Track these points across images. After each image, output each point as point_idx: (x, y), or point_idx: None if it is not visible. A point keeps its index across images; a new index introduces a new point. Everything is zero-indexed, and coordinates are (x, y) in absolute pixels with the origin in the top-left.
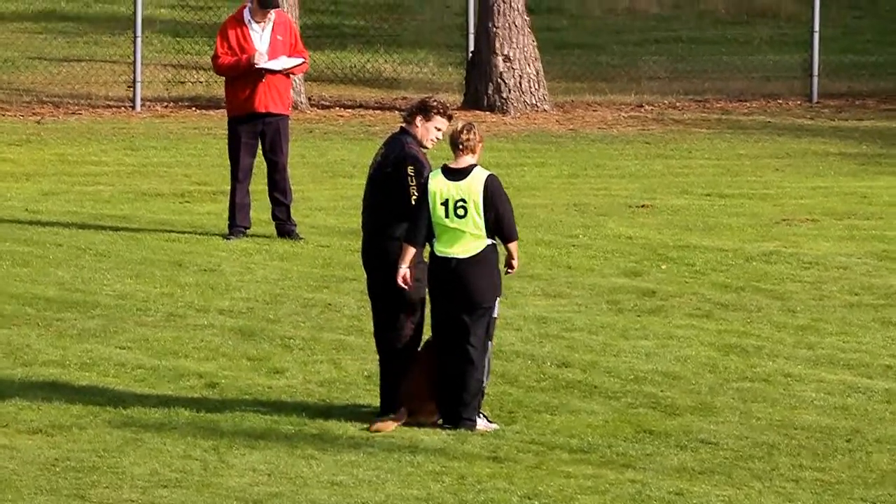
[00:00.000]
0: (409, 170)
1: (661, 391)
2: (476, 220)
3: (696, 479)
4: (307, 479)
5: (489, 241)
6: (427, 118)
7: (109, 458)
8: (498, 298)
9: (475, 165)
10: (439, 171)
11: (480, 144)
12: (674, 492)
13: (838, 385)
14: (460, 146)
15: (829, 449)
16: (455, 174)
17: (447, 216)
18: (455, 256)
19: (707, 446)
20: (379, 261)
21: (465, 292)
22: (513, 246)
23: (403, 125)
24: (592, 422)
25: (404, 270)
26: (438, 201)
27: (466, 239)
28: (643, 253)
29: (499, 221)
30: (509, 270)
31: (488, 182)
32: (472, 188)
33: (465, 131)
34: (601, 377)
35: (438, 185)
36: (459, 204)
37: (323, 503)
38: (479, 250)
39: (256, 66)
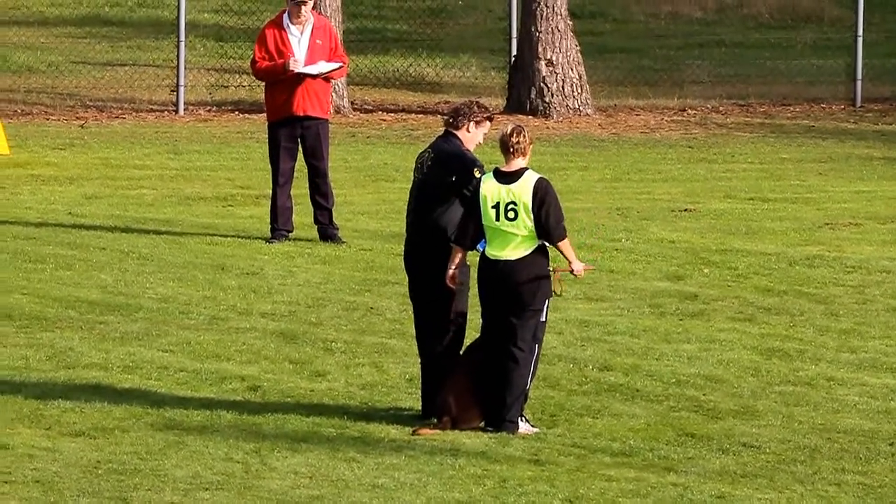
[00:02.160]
0: (476, 172)
1: (704, 395)
2: (526, 222)
3: (738, 482)
4: (349, 481)
5: (539, 244)
6: (478, 124)
7: (151, 460)
8: (547, 302)
9: (526, 169)
10: (491, 174)
11: (530, 147)
12: (716, 495)
13: (881, 389)
14: (511, 149)
15: (872, 452)
16: (506, 177)
17: (498, 219)
18: (505, 259)
19: (749, 450)
20: (428, 264)
21: (514, 294)
22: (563, 246)
23: (449, 129)
24: (634, 425)
25: (453, 271)
26: (490, 204)
27: (517, 241)
28: (686, 257)
29: (546, 223)
30: (575, 272)
31: (538, 185)
32: (523, 191)
33: (514, 134)
34: (643, 381)
35: (489, 189)
36: (510, 207)
37: None
38: (528, 252)
39: (293, 71)
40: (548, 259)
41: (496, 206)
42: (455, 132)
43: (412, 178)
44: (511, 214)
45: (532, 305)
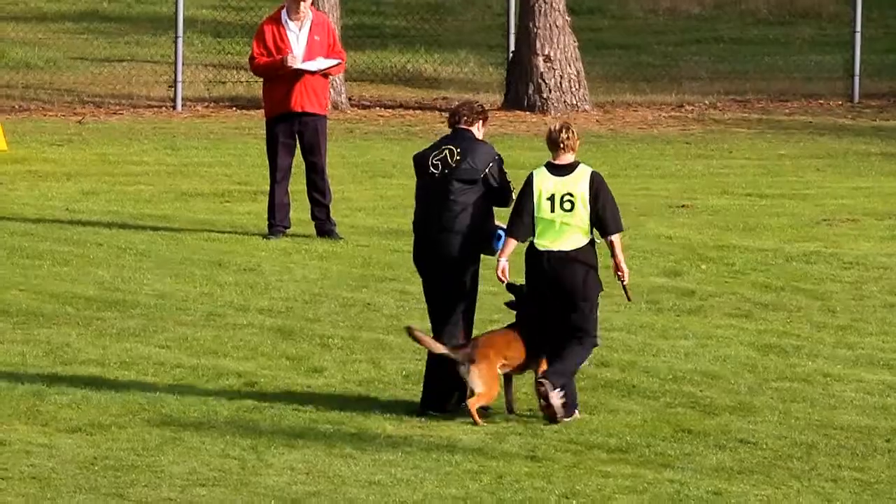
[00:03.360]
0: (502, 166)
1: (700, 391)
2: (582, 213)
3: (735, 478)
4: (345, 477)
5: (591, 237)
6: (484, 122)
7: (148, 456)
8: (599, 293)
9: (579, 162)
10: (543, 168)
11: (578, 142)
12: (712, 491)
13: (878, 385)
14: (561, 145)
15: (869, 449)
16: (560, 170)
17: (553, 210)
18: (559, 249)
19: (746, 446)
20: (453, 257)
21: (571, 285)
22: (616, 238)
23: (462, 126)
24: (631, 421)
25: (504, 264)
26: (545, 197)
27: (571, 232)
28: (683, 253)
29: (603, 214)
30: (620, 274)
31: (593, 177)
32: (579, 183)
33: (563, 131)
34: (640, 377)
35: (544, 181)
36: (566, 198)
37: (361, 502)
38: (583, 243)
39: (291, 67)
40: (596, 252)
41: (551, 199)
42: (469, 128)
43: (428, 176)
44: (567, 206)
45: (588, 295)
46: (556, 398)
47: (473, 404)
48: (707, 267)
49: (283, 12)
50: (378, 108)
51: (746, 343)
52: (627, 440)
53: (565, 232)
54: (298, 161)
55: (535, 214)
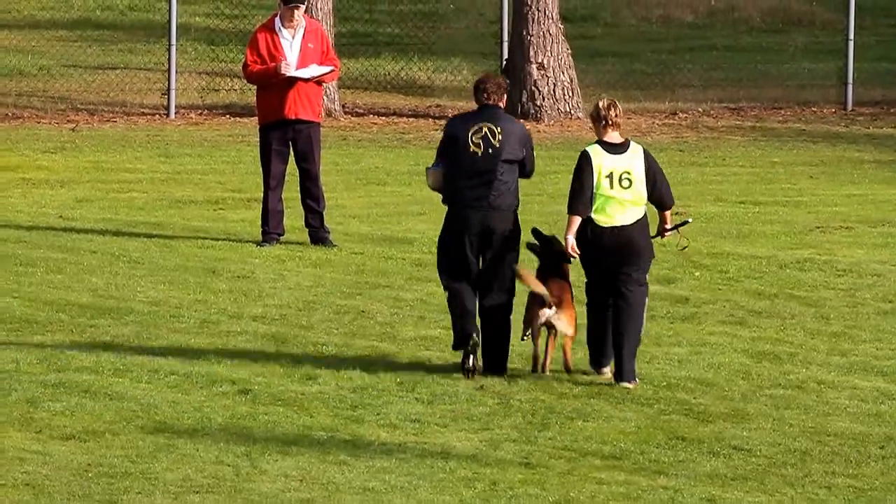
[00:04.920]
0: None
1: (694, 398)
2: (640, 189)
3: (729, 485)
4: (339, 484)
5: (644, 210)
6: (504, 100)
7: (142, 463)
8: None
9: (629, 140)
10: (597, 146)
11: (622, 119)
12: (706, 498)
13: (872, 392)
14: (610, 122)
15: (863, 456)
16: (615, 148)
17: (612, 187)
18: (622, 224)
19: (740, 453)
20: (503, 232)
21: (634, 256)
22: (668, 213)
23: (491, 103)
24: (625, 428)
25: (573, 240)
26: (604, 174)
27: (629, 207)
28: (676, 260)
29: (660, 189)
30: (665, 234)
31: (646, 154)
32: (635, 160)
33: (612, 108)
34: None
35: (601, 159)
36: (625, 175)
37: None
38: (640, 216)
39: (285, 74)
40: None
41: (609, 176)
42: (498, 104)
43: (468, 153)
44: (626, 183)
45: (648, 261)
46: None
47: (570, 345)
48: (701, 274)
49: (277, 20)
50: (372, 116)
51: (740, 350)
52: (621, 447)
53: (626, 207)
54: (292, 168)
55: (595, 191)
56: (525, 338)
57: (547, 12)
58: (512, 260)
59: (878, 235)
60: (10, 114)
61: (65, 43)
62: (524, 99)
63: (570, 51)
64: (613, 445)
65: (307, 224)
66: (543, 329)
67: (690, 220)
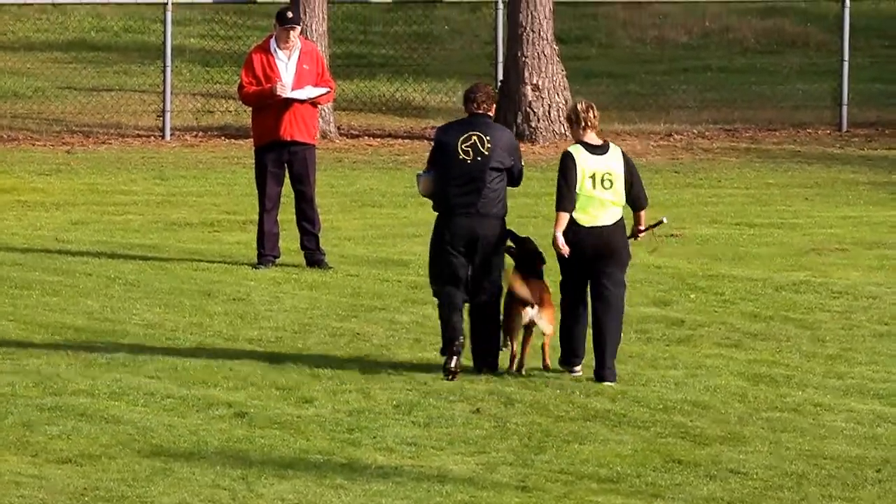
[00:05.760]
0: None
1: (691, 421)
2: (619, 190)
3: None
4: None
5: (621, 209)
6: (493, 109)
7: (138, 487)
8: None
9: (609, 141)
10: (580, 147)
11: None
12: None
13: (868, 415)
14: (588, 124)
15: (859, 479)
16: (597, 149)
17: (594, 187)
18: (602, 224)
19: (736, 476)
20: (492, 238)
21: (614, 255)
22: (643, 214)
23: (480, 112)
24: (621, 451)
25: (561, 236)
26: (587, 175)
27: (609, 207)
28: (672, 282)
29: (636, 190)
30: (639, 235)
31: (625, 156)
32: (616, 162)
33: (589, 109)
34: (630, 406)
35: (585, 161)
36: (606, 177)
37: None
38: (619, 216)
39: (280, 96)
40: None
41: (592, 177)
42: (488, 113)
43: (457, 161)
44: (607, 184)
45: (627, 260)
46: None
47: (548, 343)
48: (696, 296)
49: (272, 41)
50: (367, 138)
51: (736, 373)
52: (618, 470)
53: (606, 207)
54: (287, 190)
55: (578, 192)
56: (505, 347)
57: (541, 33)
58: (500, 261)
59: (873, 257)
60: (5, 136)
61: (60, 65)
62: (519, 120)
63: (564, 72)
64: (610, 469)
65: (303, 246)
66: (521, 329)
67: (665, 219)
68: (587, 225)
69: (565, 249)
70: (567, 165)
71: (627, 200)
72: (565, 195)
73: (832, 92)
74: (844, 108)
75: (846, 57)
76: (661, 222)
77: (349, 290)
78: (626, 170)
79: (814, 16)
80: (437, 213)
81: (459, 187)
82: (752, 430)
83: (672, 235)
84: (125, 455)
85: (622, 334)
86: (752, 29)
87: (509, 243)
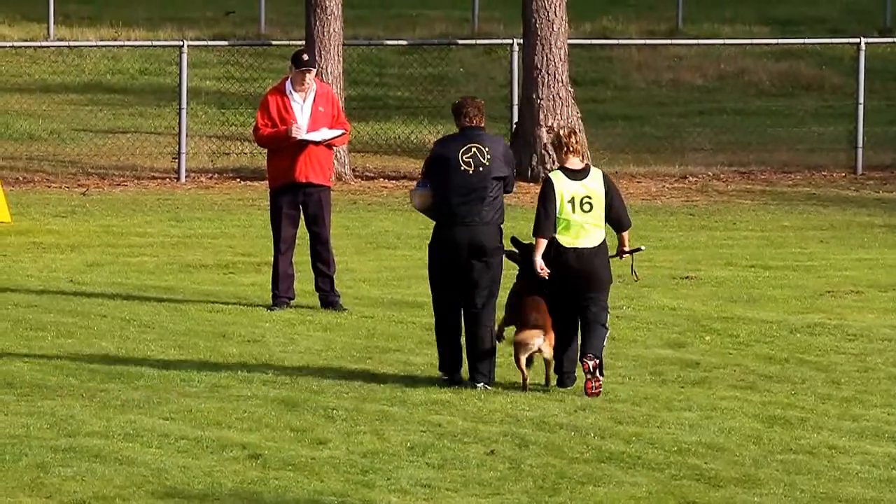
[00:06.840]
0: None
1: (705, 463)
2: (599, 213)
3: None
4: None
5: (604, 231)
6: (484, 120)
7: None
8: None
9: (590, 165)
10: (559, 172)
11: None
12: None
13: (883, 457)
14: (570, 148)
15: None
16: (577, 174)
17: (574, 211)
18: (584, 247)
19: None
20: (492, 246)
21: (596, 276)
22: (626, 234)
23: (474, 125)
24: (636, 493)
25: (541, 261)
26: (566, 199)
27: (590, 230)
28: (687, 324)
29: (617, 213)
30: (622, 255)
31: (606, 178)
32: (597, 185)
33: (572, 135)
34: (645, 449)
35: (564, 185)
36: (585, 200)
37: None
38: (601, 240)
39: (295, 138)
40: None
41: (571, 201)
42: (481, 125)
43: (458, 172)
44: (587, 207)
45: (608, 282)
46: (599, 372)
47: (551, 365)
48: (711, 338)
49: (288, 83)
50: (382, 180)
51: (751, 415)
52: None
53: (587, 230)
54: (302, 232)
55: (558, 215)
56: (499, 340)
57: (557, 76)
58: (498, 268)
59: (888, 300)
60: (21, 178)
61: (75, 107)
62: (534, 162)
63: (580, 114)
64: None
65: (317, 288)
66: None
67: (643, 248)
68: (570, 246)
69: (545, 272)
70: (545, 192)
71: (608, 220)
72: (542, 221)
73: (847, 135)
74: (860, 151)
75: (861, 100)
76: (639, 249)
77: (364, 331)
78: (606, 191)
79: (829, 59)
80: (435, 223)
81: (461, 197)
82: (766, 473)
83: (687, 277)
84: (139, 497)
85: (603, 352)
86: (768, 72)
87: (512, 248)
